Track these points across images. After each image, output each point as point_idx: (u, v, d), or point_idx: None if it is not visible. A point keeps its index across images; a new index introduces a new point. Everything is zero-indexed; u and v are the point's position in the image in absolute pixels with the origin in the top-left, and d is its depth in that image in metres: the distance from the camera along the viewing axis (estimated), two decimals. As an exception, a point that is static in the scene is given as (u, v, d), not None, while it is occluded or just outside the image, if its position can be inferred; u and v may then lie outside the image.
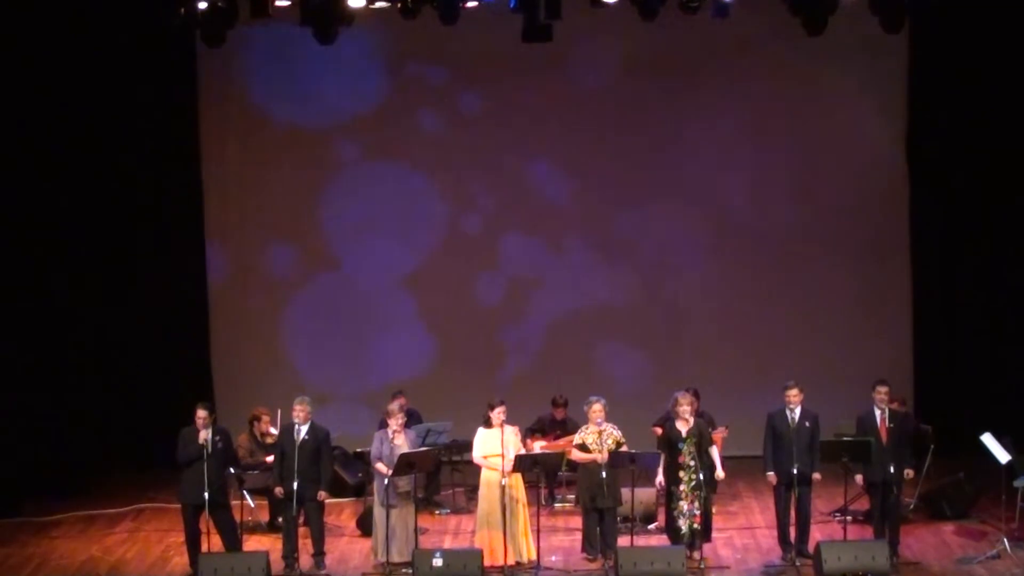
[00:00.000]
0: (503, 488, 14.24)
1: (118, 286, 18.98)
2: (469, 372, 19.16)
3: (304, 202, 19.42)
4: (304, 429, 14.36)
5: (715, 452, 14.68)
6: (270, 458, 15.38)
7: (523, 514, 14.51)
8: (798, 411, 14.30)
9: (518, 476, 14.47)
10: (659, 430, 15.09)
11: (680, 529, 14.36)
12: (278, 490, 14.39)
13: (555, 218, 19.40)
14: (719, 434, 15.47)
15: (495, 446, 14.34)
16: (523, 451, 14.56)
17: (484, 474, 14.57)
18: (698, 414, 15.44)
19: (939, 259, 18.88)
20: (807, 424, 14.27)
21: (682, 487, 14.34)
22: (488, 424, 14.46)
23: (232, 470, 15.13)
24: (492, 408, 14.44)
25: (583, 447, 14.51)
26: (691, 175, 19.26)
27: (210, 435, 14.13)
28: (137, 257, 19.07)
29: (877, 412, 14.41)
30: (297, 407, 14.42)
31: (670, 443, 14.33)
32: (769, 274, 19.32)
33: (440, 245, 19.46)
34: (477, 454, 14.57)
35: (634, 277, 19.41)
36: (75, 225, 18.67)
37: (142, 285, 19.04)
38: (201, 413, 14.24)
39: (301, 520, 14.59)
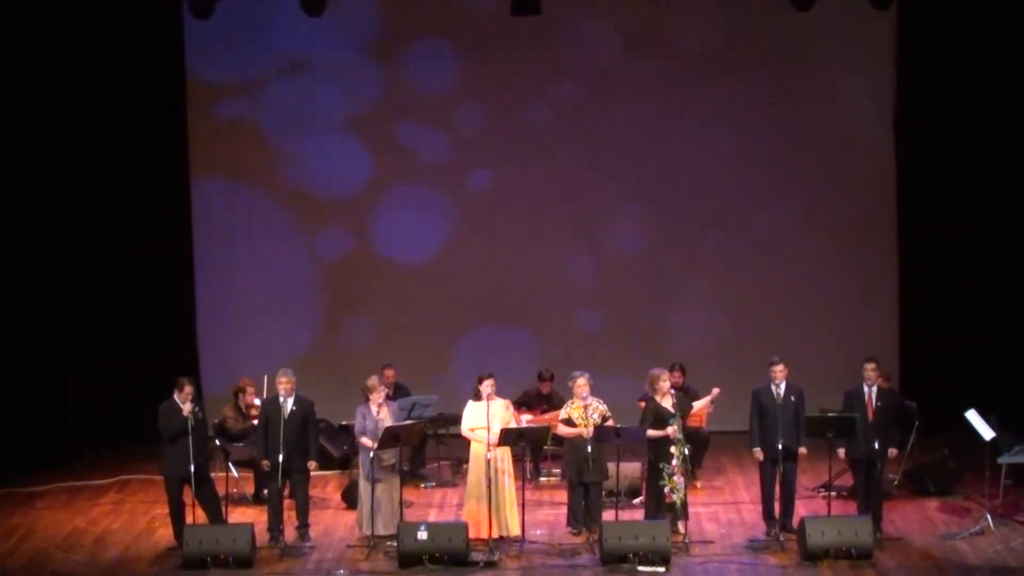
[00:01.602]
0: (488, 462, 14.27)
1: (102, 258, 18.97)
2: (458, 345, 19.19)
3: (292, 169, 19.40)
4: (290, 401, 14.36)
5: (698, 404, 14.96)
6: (255, 422, 15.41)
7: (510, 488, 14.53)
8: (783, 386, 14.32)
9: (506, 450, 14.49)
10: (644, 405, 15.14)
11: (675, 504, 14.39)
12: (264, 463, 14.38)
13: (540, 191, 19.41)
14: (704, 401, 15.40)
15: (482, 419, 14.36)
16: (512, 424, 14.57)
17: (472, 447, 14.60)
18: (682, 389, 15.48)
19: (926, 237, 18.90)
20: (792, 399, 14.29)
21: (674, 462, 14.37)
22: (477, 397, 14.48)
23: (217, 442, 15.12)
24: (481, 381, 14.45)
25: (569, 422, 14.53)
26: (677, 153, 19.25)
27: (192, 408, 14.13)
28: (122, 230, 19.03)
29: (865, 389, 14.45)
30: (282, 379, 14.42)
31: (659, 419, 14.34)
32: (756, 252, 19.35)
33: (433, 214, 19.47)
34: (465, 427, 14.59)
35: (620, 252, 19.44)
36: (58, 197, 18.61)
37: (126, 256, 19.04)
38: (188, 388, 14.24)
39: (286, 492, 14.60)
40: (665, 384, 14.48)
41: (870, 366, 14.49)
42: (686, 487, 14.47)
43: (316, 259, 19.58)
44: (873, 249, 19.23)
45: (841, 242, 19.21)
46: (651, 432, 14.35)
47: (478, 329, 19.44)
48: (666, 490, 14.39)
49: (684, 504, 14.42)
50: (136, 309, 19.06)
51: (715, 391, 15.01)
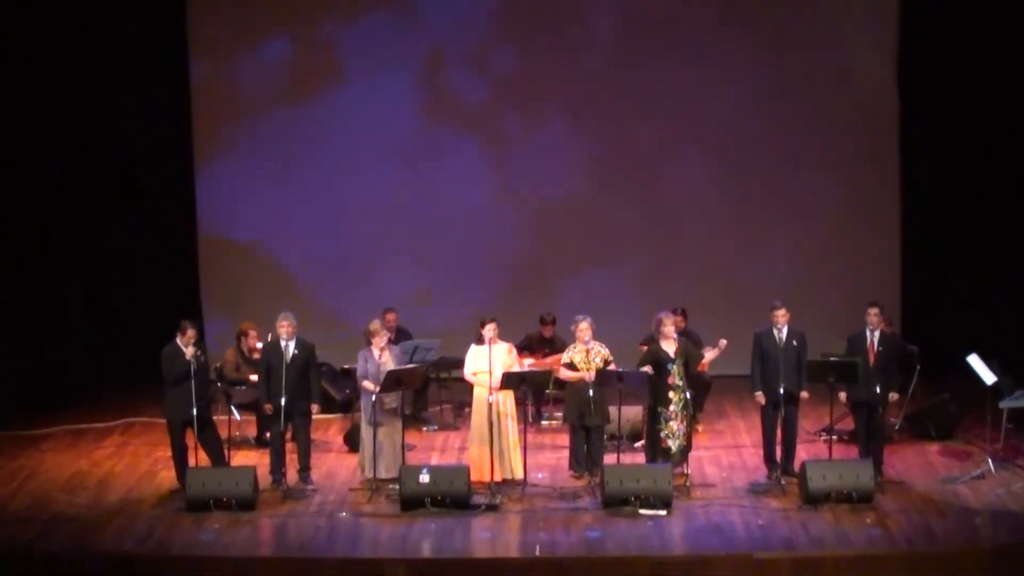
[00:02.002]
0: (490, 405, 14.29)
1: (106, 201, 18.96)
2: (459, 289, 19.19)
3: (295, 119, 19.33)
4: (292, 345, 14.36)
5: (708, 354, 15.02)
6: (254, 377, 15.44)
7: (512, 431, 14.55)
8: (785, 331, 14.30)
9: (509, 394, 14.50)
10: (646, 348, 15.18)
11: (670, 449, 14.42)
12: (267, 406, 14.39)
13: (546, 136, 19.35)
14: (712, 353, 15.42)
15: (484, 363, 14.37)
16: (515, 368, 14.58)
17: (475, 391, 14.61)
18: (684, 333, 15.47)
19: (929, 179, 18.84)
20: (794, 343, 14.28)
21: (671, 408, 14.39)
22: (480, 341, 14.48)
23: (219, 385, 15.13)
24: (483, 325, 14.45)
25: (571, 366, 14.54)
26: (681, 96, 19.17)
27: (195, 352, 14.15)
28: (126, 174, 18.99)
29: (868, 333, 14.44)
30: (284, 323, 14.40)
31: (658, 363, 14.36)
32: (758, 195, 19.31)
33: (435, 167, 19.42)
34: (468, 371, 14.61)
35: (623, 198, 19.39)
36: (63, 144, 18.60)
37: (131, 199, 19.02)
38: (190, 331, 14.25)
39: (288, 436, 14.64)
40: (669, 329, 14.47)
41: (873, 311, 14.47)
42: (686, 434, 14.49)
43: (324, 203, 19.53)
44: (876, 193, 19.18)
45: (844, 185, 19.16)
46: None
47: (484, 274, 19.44)
48: (662, 435, 14.41)
49: (683, 450, 14.44)
50: (139, 252, 19.06)
51: (722, 343, 15.02)
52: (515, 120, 19.35)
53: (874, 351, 14.39)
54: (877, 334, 14.45)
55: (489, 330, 14.41)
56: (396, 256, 19.43)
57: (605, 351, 14.54)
